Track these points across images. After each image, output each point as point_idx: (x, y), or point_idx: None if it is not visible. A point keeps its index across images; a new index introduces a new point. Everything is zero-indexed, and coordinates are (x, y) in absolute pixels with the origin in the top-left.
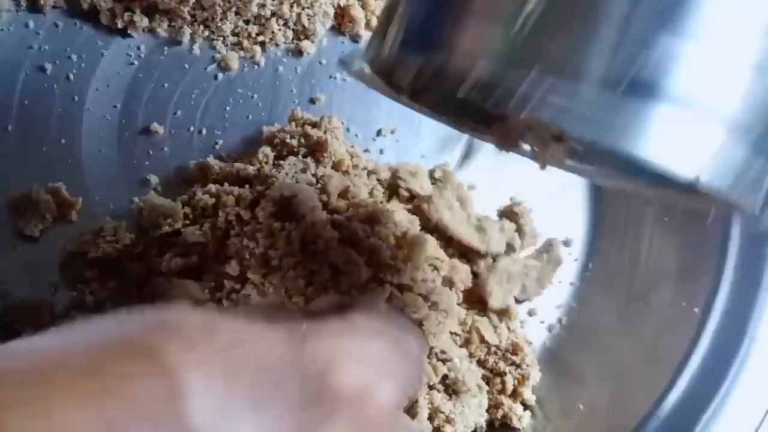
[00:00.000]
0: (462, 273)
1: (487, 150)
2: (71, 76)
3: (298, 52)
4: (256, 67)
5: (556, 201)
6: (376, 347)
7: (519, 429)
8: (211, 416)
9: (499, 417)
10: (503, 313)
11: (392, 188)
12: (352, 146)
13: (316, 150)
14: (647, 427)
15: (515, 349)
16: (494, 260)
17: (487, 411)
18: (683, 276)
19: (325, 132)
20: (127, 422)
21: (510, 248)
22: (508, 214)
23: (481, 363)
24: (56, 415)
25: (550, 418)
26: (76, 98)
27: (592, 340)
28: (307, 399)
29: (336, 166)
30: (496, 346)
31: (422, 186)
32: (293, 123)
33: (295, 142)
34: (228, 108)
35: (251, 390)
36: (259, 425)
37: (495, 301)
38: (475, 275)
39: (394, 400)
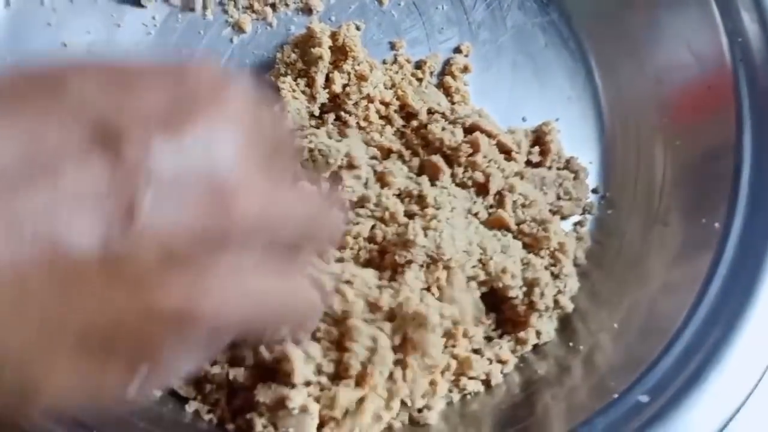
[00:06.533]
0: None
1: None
2: (91, 50)
3: (308, 10)
4: (269, 27)
5: (568, 134)
6: None
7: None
8: None
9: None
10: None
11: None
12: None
13: (338, 59)
14: (674, 348)
15: (555, 260)
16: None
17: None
18: (700, 192)
19: (343, 40)
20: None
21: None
22: (537, 129)
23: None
24: None
25: (591, 332)
26: None
27: (617, 266)
28: None
29: (359, 77)
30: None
31: (440, 103)
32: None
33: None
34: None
35: None
36: None
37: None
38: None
39: None
